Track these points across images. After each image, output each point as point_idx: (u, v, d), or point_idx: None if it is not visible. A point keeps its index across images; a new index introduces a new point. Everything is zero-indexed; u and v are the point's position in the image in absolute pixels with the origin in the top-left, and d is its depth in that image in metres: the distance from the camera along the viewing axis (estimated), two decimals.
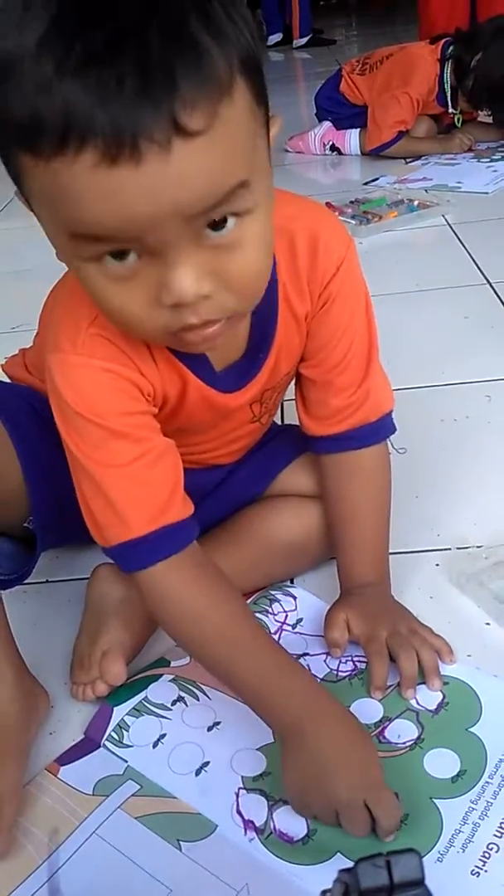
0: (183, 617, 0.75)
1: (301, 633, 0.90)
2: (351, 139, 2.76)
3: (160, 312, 0.59)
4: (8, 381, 0.93)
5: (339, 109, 2.79)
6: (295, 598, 0.94)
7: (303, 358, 0.85)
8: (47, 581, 1.04)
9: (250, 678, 0.74)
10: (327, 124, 2.82)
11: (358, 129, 2.74)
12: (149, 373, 0.74)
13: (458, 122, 2.67)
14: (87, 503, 0.73)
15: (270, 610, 0.93)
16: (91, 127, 0.50)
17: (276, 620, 0.92)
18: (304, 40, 5.25)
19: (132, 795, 0.75)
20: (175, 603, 0.74)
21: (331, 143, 2.80)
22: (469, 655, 0.85)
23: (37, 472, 0.84)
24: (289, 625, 0.91)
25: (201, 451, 0.89)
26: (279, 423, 1.05)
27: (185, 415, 0.80)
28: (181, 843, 0.71)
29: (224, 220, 0.57)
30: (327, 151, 2.82)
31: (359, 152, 2.75)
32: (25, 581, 0.87)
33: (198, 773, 0.76)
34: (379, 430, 0.88)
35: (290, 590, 0.96)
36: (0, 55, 0.52)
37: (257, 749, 0.78)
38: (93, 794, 0.76)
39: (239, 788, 0.74)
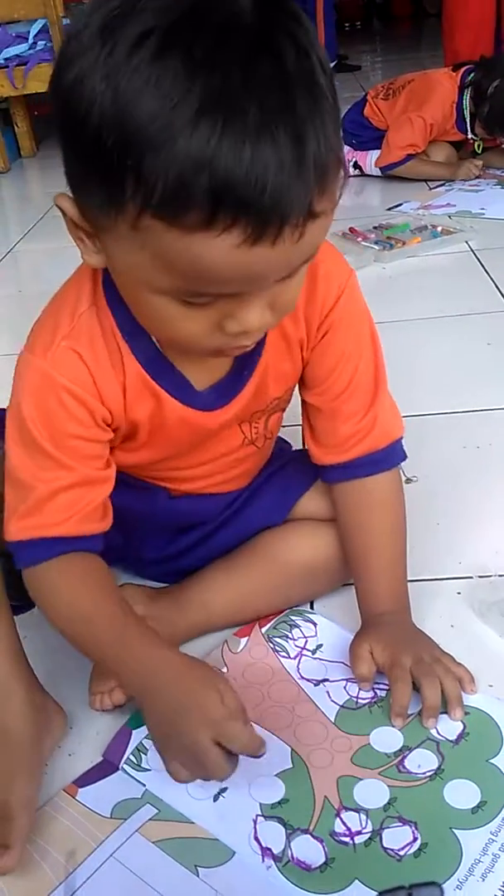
0: (60, 614, 0.79)
1: (321, 659, 0.90)
2: (372, 158, 2.79)
3: (219, 336, 0.64)
4: None
5: (362, 132, 2.82)
6: (315, 624, 0.94)
7: (308, 386, 0.86)
8: None
9: (108, 642, 0.77)
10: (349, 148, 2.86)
11: (379, 150, 2.76)
12: (109, 399, 0.75)
13: (479, 148, 2.68)
14: (3, 495, 0.77)
15: (290, 635, 0.93)
16: (244, 211, 0.53)
17: (296, 646, 0.92)
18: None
19: (150, 819, 0.75)
20: (53, 601, 0.78)
21: (354, 160, 2.83)
22: (491, 685, 0.84)
23: None
24: (308, 650, 0.91)
25: (198, 476, 0.90)
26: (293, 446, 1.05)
27: (166, 437, 0.81)
28: (198, 868, 0.71)
29: None
30: (351, 169, 2.84)
31: (379, 172, 2.77)
32: None
33: (216, 798, 0.76)
34: (389, 456, 0.88)
35: (311, 616, 0.96)
36: (149, 121, 0.52)
37: (276, 775, 0.77)
38: (111, 817, 0.76)
39: (257, 815, 0.74)
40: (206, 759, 0.71)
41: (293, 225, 0.55)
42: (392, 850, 0.70)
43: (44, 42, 3.31)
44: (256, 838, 0.72)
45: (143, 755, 0.80)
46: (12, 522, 0.76)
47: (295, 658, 0.90)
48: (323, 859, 0.70)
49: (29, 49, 3.33)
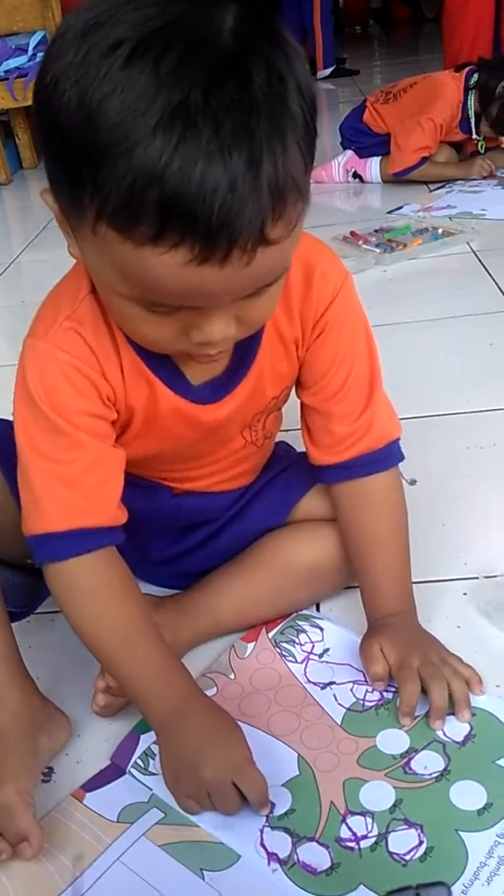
0: (83, 612, 0.77)
1: (328, 662, 0.90)
2: (372, 167, 2.78)
3: (183, 341, 0.65)
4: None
5: (362, 139, 2.82)
6: (322, 629, 0.94)
7: (303, 386, 0.86)
8: None
9: (135, 675, 0.77)
10: (350, 152, 2.85)
11: (379, 157, 2.76)
12: (112, 377, 0.76)
13: (482, 148, 2.69)
14: (20, 488, 0.77)
15: (297, 640, 0.93)
16: (191, 229, 0.53)
17: (303, 650, 0.92)
18: (327, 71, 5.29)
19: (156, 823, 0.75)
20: (79, 598, 0.77)
21: (353, 170, 2.83)
22: (497, 686, 0.84)
23: None
24: (315, 654, 0.91)
25: (201, 475, 0.90)
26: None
27: (159, 429, 0.81)
28: (204, 872, 0.71)
29: None
30: (350, 179, 2.84)
31: (379, 180, 2.77)
32: (53, 609, 0.88)
33: None
34: (386, 457, 0.88)
35: (318, 621, 0.95)
36: (109, 130, 0.52)
37: (282, 785, 0.77)
38: (117, 821, 0.76)
39: (264, 826, 0.74)
40: (222, 798, 0.73)
41: (242, 248, 0.55)
42: (398, 854, 0.70)
43: (43, 54, 3.32)
44: (263, 845, 0.72)
45: (150, 759, 0.80)
46: (43, 515, 0.75)
47: (302, 662, 0.90)
48: (329, 864, 0.70)
49: (29, 61, 3.34)
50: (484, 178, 2.61)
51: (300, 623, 0.95)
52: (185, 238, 0.53)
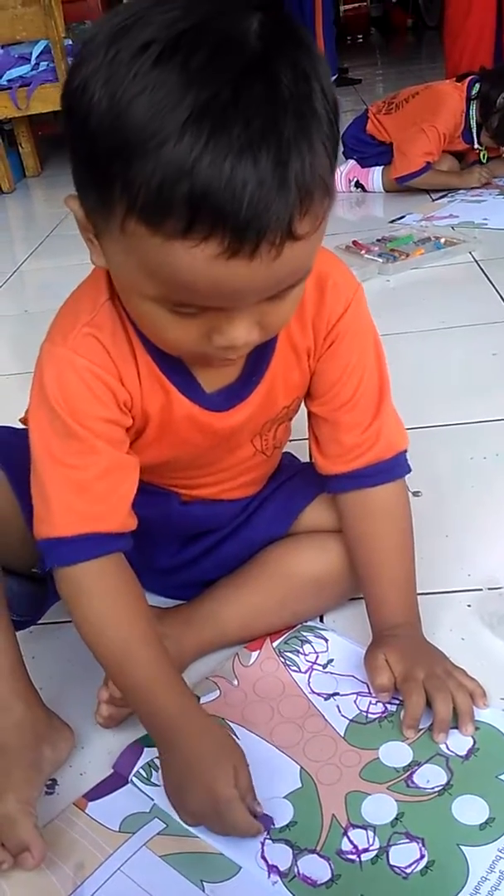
0: (91, 619, 0.77)
1: (332, 673, 0.90)
2: (374, 176, 2.79)
3: (206, 346, 0.65)
4: (20, 426, 0.94)
5: (364, 149, 2.83)
6: (326, 640, 0.94)
7: (312, 396, 0.87)
8: None
9: (138, 685, 0.77)
10: (352, 162, 2.86)
11: (381, 167, 2.77)
12: (129, 383, 0.76)
13: (484, 157, 2.70)
14: (33, 492, 0.77)
15: (301, 651, 0.93)
16: (222, 223, 0.54)
17: (307, 661, 0.91)
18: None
19: (158, 834, 0.75)
20: (87, 604, 0.77)
21: (355, 179, 2.84)
22: (502, 698, 0.84)
23: None
24: (319, 665, 0.91)
25: (210, 483, 0.91)
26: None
27: (174, 436, 0.81)
28: (204, 883, 0.71)
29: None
30: (352, 188, 2.85)
31: (381, 189, 2.78)
32: (58, 620, 0.88)
33: None
34: (393, 468, 0.88)
35: (322, 632, 0.95)
36: (139, 127, 0.53)
37: (284, 797, 0.77)
38: (119, 831, 0.76)
39: (265, 838, 0.74)
40: (210, 823, 0.74)
41: (270, 242, 0.56)
42: (399, 867, 0.70)
43: (46, 63, 3.34)
44: (263, 857, 0.72)
45: (153, 770, 0.80)
46: (54, 520, 0.75)
47: (306, 672, 0.90)
48: (329, 876, 0.70)
49: (32, 70, 3.36)
50: (482, 186, 2.62)
51: (305, 634, 0.95)
52: (214, 231, 0.54)
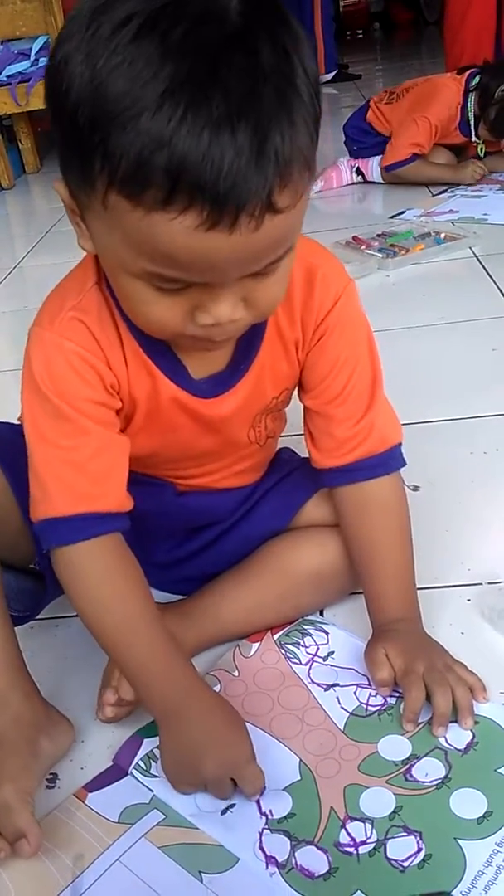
0: (90, 598, 0.78)
1: (332, 665, 0.90)
2: (373, 165, 2.80)
3: (190, 326, 0.65)
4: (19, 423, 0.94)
5: (364, 138, 2.83)
6: (327, 633, 0.94)
7: (304, 389, 0.87)
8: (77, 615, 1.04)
9: (140, 663, 0.77)
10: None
11: (380, 157, 2.77)
12: (116, 366, 0.77)
13: (482, 151, 2.69)
14: (30, 477, 0.77)
15: (302, 643, 0.93)
16: (200, 193, 0.54)
17: (308, 652, 0.92)
18: (329, 76, 5.29)
19: (157, 825, 0.76)
20: (86, 584, 0.78)
21: (356, 166, 2.84)
22: (501, 692, 0.84)
23: None
24: (320, 657, 0.91)
25: (204, 472, 0.91)
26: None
27: (162, 422, 0.81)
28: (202, 874, 0.71)
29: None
30: (354, 175, 2.85)
31: (381, 179, 2.78)
32: (57, 615, 0.88)
33: (224, 812, 0.76)
34: (388, 461, 0.88)
35: (323, 625, 0.96)
36: (118, 99, 0.54)
37: (283, 789, 0.77)
38: (118, 822, 0.76)
39: (263, 828, 0.74)
40: (219, 792, 0.75)
41: (250, 214, 0.56)
42: (396, 860, 0.70)
43: (46, 59, 3.33)
44: (262, 847, 0.73)
45: (152, 762, 0.81)
46: (50, 500, 0.76)
47: (306, 664, 0.90)
48: (326, 868, 0.70)
49: (31, 66, 3.35)
50: (476, 182, 2.61)
51: (305, 627, 0.95)
52: (193, 203, 0.54)
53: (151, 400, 0.80)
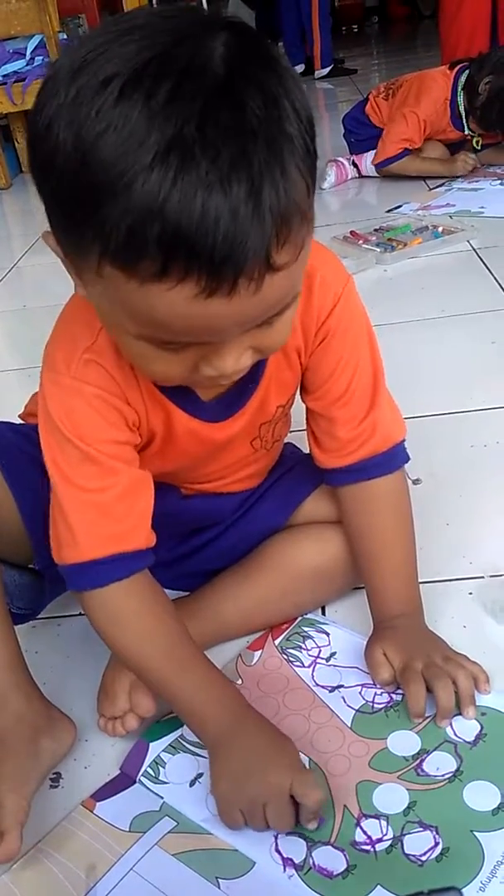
0: (130, 637, 0.78)
1: (335, 666, 0.90)
2: (367, 160, 2.80)
3: (194, 375, 0.64)
4: (19, 422, 0.93)
5: (361, 130, 2.84)
6: (328, 634, 0.94)
7: (307, 390, 0.87)
8: (80, 614, 1.04)
9: (191, 695, 0.77)
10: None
11: (374, 151, 2.77)
12: (135, 403, 0.76)
13: (477, 144, 2.69)
14: (53, 518, 0.77)
15: (304, 646, 0.93)
16: (196, 262, 0.52)
17: (310, 655, 0.91)
18: (325, 70, 5.29)
19: (169, 832, 0.75)
20: (122, 624, 0.78)
21: (352, 159, 2.84)
22: None
23: (35, 516, 0.84)
24: (322, 658, 0.91)
25: (211, 478, 0.91)
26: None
27: (177, 449, 0.82)
28: (219, 880, 0.70)
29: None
30: (350, 167, 2.85)
31: (374, 172, 2.78)
32: (59, 614, 0.87)
33: None
34: (391, 459, 0.88)
35: (323, 626, 0.95)
36: (105, 169, 0.51)
37: None
38: (129, 831, 0.76)
39: (277, 832, 0.73)
40: (279, 808, 0.71)
41: (249, 277, 0.54)
42: (414, 855, 0.70)
43: (41, 57, 3.33)
44: (277, 850, 0.72)
45: (160, 768, 0.80)
46: (78, 545, 0.75)
47: (309, 667, 0.90)
48: (344, 866, 0.70)
49: (27, 65, 3.35)
50: (468, 173, 2.62)
51: (306, 629, 0.95)
52: (190, 272, 0.52)
53: (167, 430, 0.80)
